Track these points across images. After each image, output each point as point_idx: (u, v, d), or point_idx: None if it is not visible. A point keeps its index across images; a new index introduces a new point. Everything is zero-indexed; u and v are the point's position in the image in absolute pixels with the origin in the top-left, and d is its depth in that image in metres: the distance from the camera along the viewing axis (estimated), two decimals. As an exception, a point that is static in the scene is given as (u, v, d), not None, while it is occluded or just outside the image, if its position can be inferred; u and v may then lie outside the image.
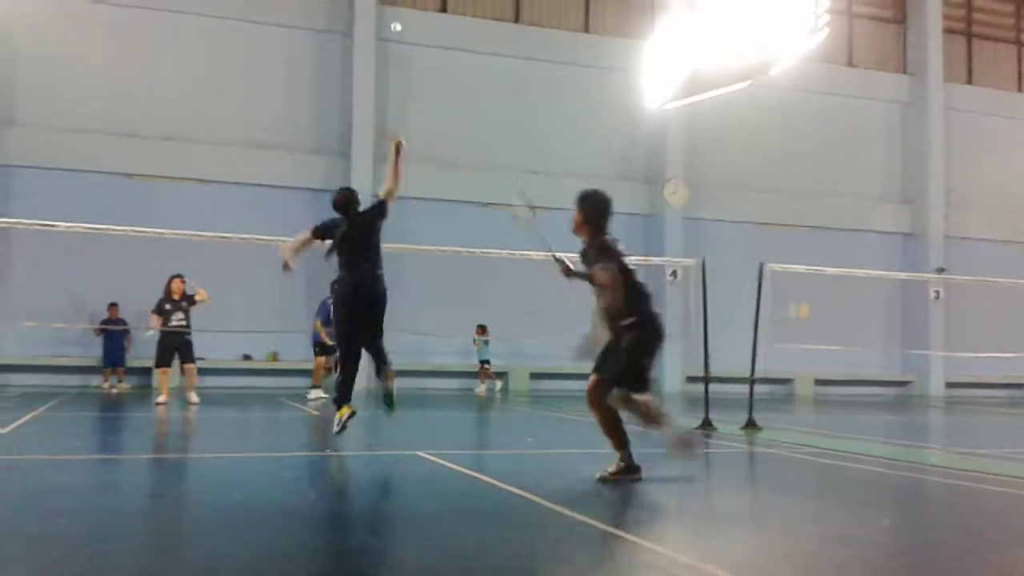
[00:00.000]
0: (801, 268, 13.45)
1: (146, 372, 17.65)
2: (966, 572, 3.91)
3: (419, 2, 20.56)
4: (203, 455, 8.21)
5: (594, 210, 6.41)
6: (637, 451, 6.11)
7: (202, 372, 14.68)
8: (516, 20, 21.28)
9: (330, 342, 13.37)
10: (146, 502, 5.42)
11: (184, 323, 13.12)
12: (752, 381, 11.04)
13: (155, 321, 13.24)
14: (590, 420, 6.24)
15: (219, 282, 15.59)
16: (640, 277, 6.35)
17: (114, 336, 16.98)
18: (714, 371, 11.33)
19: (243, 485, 5.87)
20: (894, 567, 4.00)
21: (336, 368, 7.85)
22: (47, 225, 11.85)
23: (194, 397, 12.90)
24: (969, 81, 24.78)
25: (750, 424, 10.51)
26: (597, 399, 6.01)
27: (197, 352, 13.48)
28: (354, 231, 7.79)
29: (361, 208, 7.99)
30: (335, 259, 7.80)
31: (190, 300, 13.25)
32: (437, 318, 17.97)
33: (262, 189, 18.71)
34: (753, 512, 5.53)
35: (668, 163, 21.33)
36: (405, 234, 18.59)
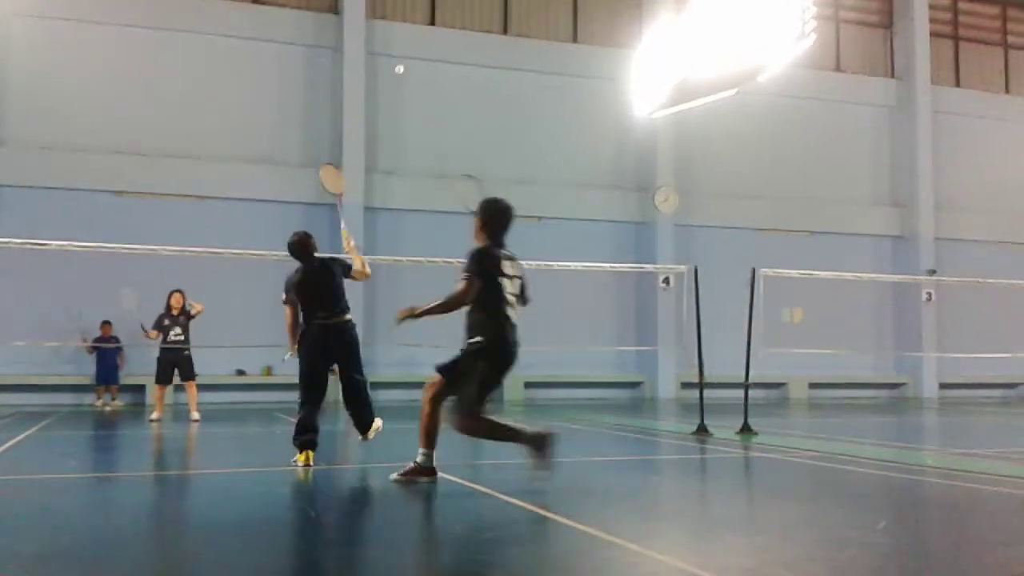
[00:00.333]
0: (793, 273, 13.52)
1: (139, 389, 17.61)
2: (964, 572, 3.92)
3: (408, 16, 20.63)
4: (199, 471, 8.19)
5: (489, 217, 6.30)
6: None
7: (197, 388, 14.64)
8: (504, 32, 21.35)
9: None
10: (143, 520, 5.40)
11: (182, 338, 13.11)
12: (746, 386, 11.06)
13: (153, 336, 13.24)
14: (584, 428, 6.24)
15: (212, 297, 15.57)
16: (524, 291, 6.27)
17: (107, 354, 16.93)
18: (708, 377, 11.36)
19: (241, 501, 5.86)
20: (891, 569, 4.01)
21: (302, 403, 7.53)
22: (38, 244, 11.83)
23: (195, 414, 12.87)
24: (956, 84, 24.93)
25: (745, 429, 10.53)
26: (432, 400, 6.13)
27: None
28: (311, 279, 7.59)
29: (318, 254, 7.77)
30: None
31: (187, 315, 13.27)
32: (429, 329, 17.95)
33: (254, 204, 18.70)
34: (750, 516, 5.54)
35: (658, 171, 21.40)
36: (397, 245, 18.68)
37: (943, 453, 9.43)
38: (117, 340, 16.94)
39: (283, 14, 19.58)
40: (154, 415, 12.67)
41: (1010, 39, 25.64)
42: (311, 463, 7.24)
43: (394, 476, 6.19)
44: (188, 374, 13.21)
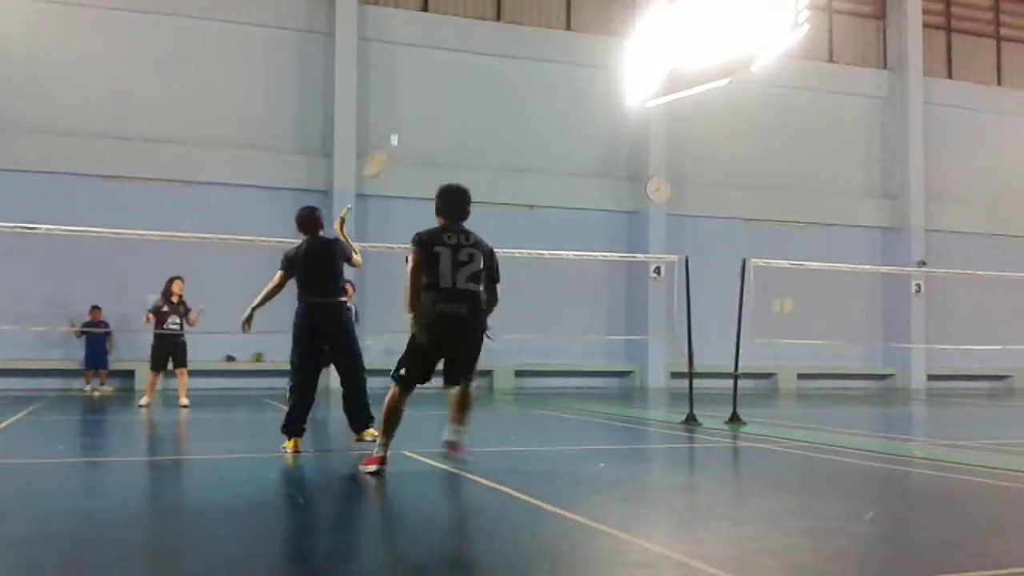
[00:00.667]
0: (784, 263, 13.54)
1: (128, 375, 17.56)
2: (950, 563, 3.94)
3: (401, 1, 20.51)
4: (188, 457, 8.18)
5: (440, 201, 6.35)
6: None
7: (187, 374, 14.62)
8: (498, 18, 21.26)
9: None
10: (133, 504, 5.39)
11: (178, 326, 13.06)
12: (736, 376, 11.09)
13: (150, 322, 13.12)
14: (573, 417, 6.26)
15: (201, 283, 15.52)
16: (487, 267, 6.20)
17: (96, 339, 16.87)
18: (698, 366, 11.38)
19: (229, 486, 5.85)
20: (878, 559, 4.03)
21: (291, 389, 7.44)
22: (26, 228, 11.77)
23: (185, 400, 12.83)
24: (949, 75, 24.96)
25: (734, 419, 10.56)
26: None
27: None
28: (311, 255, 7.50)
29: (324, 233, 7.68)
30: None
31: (186, 306, 13.21)
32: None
33: (244, 190, 18.62)
34: (739, 506, 5.56)
35: (651, 160, 21.39)
36: (389, 233, 18.61)
37: (931, 444, 9.48)
38: (106, 325, 16.88)
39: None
40: (143, 400, 12.64)
41: (1003, 31, 25.66)
42: (299, 450, 7.24)
43: (362, 466, 6.15)
44: (182, 361, 13.17)
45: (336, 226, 8.04)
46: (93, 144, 17.83)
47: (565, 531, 4.44)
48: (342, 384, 7.66)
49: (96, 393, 16.47)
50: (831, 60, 23.82)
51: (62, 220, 13.12)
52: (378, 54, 19.89)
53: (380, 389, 6.45)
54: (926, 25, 24.33)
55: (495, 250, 6.37)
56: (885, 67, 24.29)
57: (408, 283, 6.04)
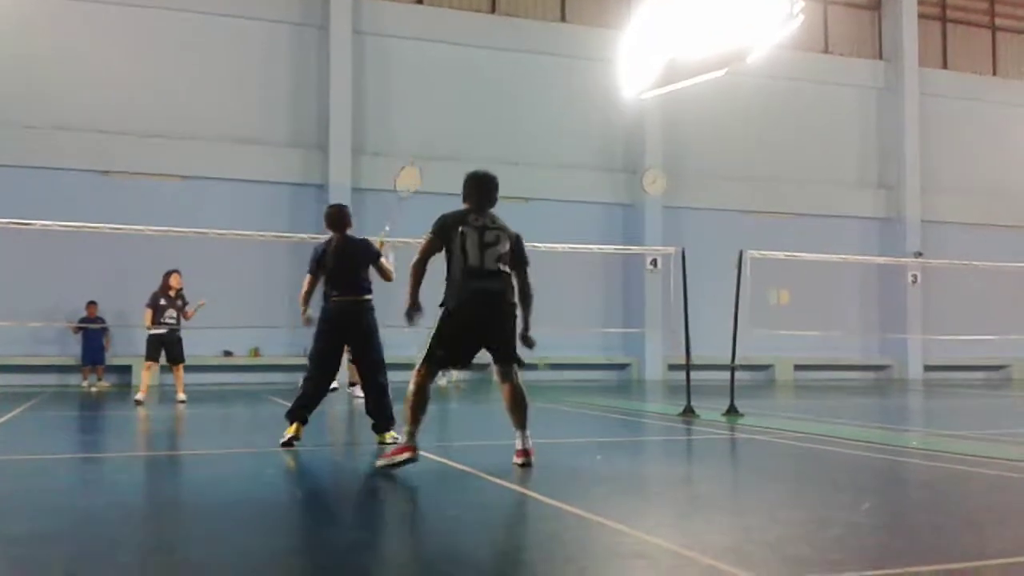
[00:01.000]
0: (780, 255, 13.56)
1: (125, 370, 17.56)
2: (946, 552, 3.96)
3: (396, -7, 20.47)
4: (186, 452, 8.18)
5: (467, 188, 6.33)
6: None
7: (184, 369, 14.60)
8: (493, 11, 21.24)
9: None
10: (130, 500, 5.39)
11: (175, 320, 12.96)
12: (733, 368, 11.11)
13: (148, 317, 13.04)
14: (571, 410, 6.28)
15: (199, 278, 15.50)
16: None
17: (93, 334, 16.86)
18: (695, 358, 11.40)
19: (228, 482, 5.86)
20: (874, 549, 4.05)
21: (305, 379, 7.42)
22: (22, 224, 11.75)
23: (182, 395, 12.80)
24: (944, 66, 24.97)
25: (731, 410, 10.58)
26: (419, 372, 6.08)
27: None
28: (339, 252, 7.42)
29: (352, 232, 7.61)
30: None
31: (184, 299, 13.09)
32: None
33: (240, 184, 18.61)
34: (735, 497, 5.57)
35: (647, 152, 21.40)
36: (382, 227, 18.60)
37: (927, 434, 9.50)
38: (103, 321, 16.87)
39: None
40: (139, 395, 12.54)
41: (997, 21, 25.66)
42: (299, 436, 7.23)
43: (379, 461, 6.05)
44: (178, 356, 13.07)
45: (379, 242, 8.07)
46: (89, 139, 17.80)
47: (563, 523, 4.45)
48: (363, 384, 7.65)
49: (93, 389, 16.46)
50: (826, 51, 23.82)
51: (58, 215, 13.08)
52: (373, 47, 19.86)
53: (400, 383, 6.38)
54: (921, 15, 24.34)
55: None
56: (880, 58, 24.29)
57: (413, 262, 5.99)
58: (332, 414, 10.72)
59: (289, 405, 7.44)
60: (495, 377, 6.21)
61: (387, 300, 7.45)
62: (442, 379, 18.18)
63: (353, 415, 10.44)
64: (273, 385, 16.84)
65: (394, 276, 7.60)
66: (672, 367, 20.18)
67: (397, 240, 8.47)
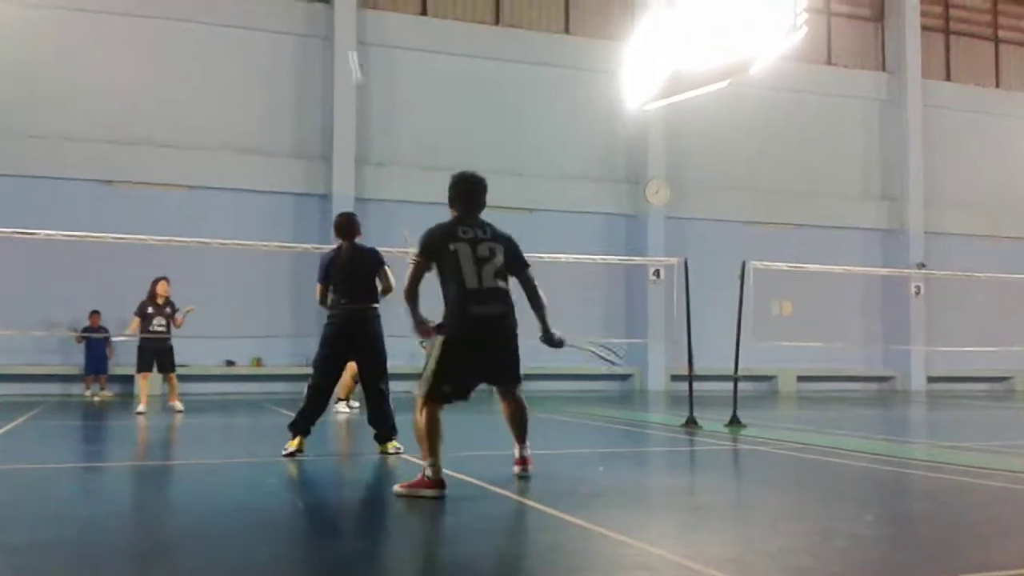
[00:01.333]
0: (783, 266, 13.55)
1: (128, 380, 17.50)
2: (950, 565, 3.94)
3: (399, 5, 20.54)
4: (188, 462, 8.17)
5: (454, 191, 5.90)
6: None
7: (184, 379, 14.59)
8: (496, 22, 21.29)
9: None
10: (132, 510, 5.39)
11: (164, 329, 12.88)
12: (736, 378, 11.08)
13: (135, 325, 13.01)
14: (573, 421, 6.26)
15: (202, 287, 15.56)
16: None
17: (96, 344, 16.86)
18: (698, 369, 11.38)
19: (229, 492, 5.85)
20: (878, 561, 4.03)
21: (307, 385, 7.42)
22: (26, 233, 11.77)
23: (179, 405, 12.77)
24: (947, 78, 24.99)
25: (734, 421, 10.56)
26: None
27: (179, 358, 13.34)
28: (346, 261, 7.46)
29: (360, 241, 7.67)
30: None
31: (173, 306, 13.03)
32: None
33: (244, 194, 18.63)
34: (739, 508, 5.55)
35: (650, 163, 21.42)
36: (388, 236, 18.61)
37: (931, 446, 9.48)
38: (106, 330, 16.87)
39: (274, 3, 19.48)
40: (140, 407, 12.48)
41: (1001, 33, 25.70)
42: (303, 449, 7.24)
43: (397, 488, 5.48)
44: (168, 366, 12.97)
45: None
46: (93, 148, 17.83)
47: (565, 534, 4.43)
48: (364, 392, 7.66)
49: (96, 398, 16.45)
50: (829, 63, 23.85)
51: (62, 225, 13.10)
52: (377, 58, 19.90)
53: (400, 394, 6.31)
54: (924, 27, 24.37)
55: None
56: (884, 69, 24.32)
57: (405, 286, 5.67)
58: (334, 423, 10.71)
59: (292, 415, 7.45)
60: (495, 394, 6.02)
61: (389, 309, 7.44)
62: None
63: (354, 425, 10.42)
64: (275, 395, 16.83)
65: (395, 286, 7.58)
66: (675, 378, 20.14)
67: (383, 249, 8.44)
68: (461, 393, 5.58)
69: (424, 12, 20.73)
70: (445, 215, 5.99)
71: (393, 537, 4.66)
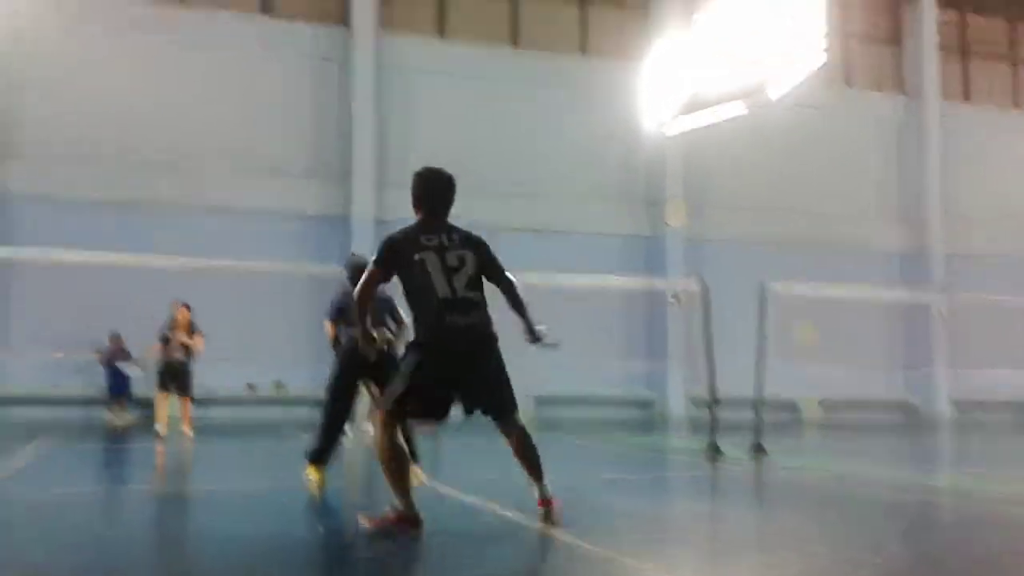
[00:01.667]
0: (803, 288, 13.46)
1: (150, 404, 17.57)
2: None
3: (417, 28, 20.69)
4: (209, 488, 8.16)
5: (418, 190, 5.35)
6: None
7: (205, 403, 14.59)
8: (514, 44, 21.40)
9: None
10: (152, 536, 5.38)
11: (183, 353, 12.97)
12: (757, 404, 10.99)
13: (155, 350, 13.07)
14: (593, 446, 6.19)
15: (222, 309, 15.60)
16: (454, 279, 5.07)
17: (117, 367, 16.90)
18: (719, 395, 11.28)
19: (251, 519, 5.83)
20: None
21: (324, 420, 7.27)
22: (50, 255, 11.86)
23: (189, 431, 12.76)
24: (965, 99, 24.90)
25: (757, 448, 10.46)
26: (384, 425, 5.07)
27: (200, 381, 13.38)
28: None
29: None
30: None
31: (192, 331, 13.08)
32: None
33: (264, 216, 18.72)
34: (762, 537, 5.49)
35: (667, 184, 21.39)
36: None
37: (955, 473, 9.36)
38: (128, 353, 16.92)
39: (293, 27, 19.67)
40: (159, 426, 12.48)
41: (1019, 54, 25.61)
42: (323, 481, 7.19)
43: (363, 521, 5.14)
44: (185, 389, 13.02)
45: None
46: (115, 171, 17.98)
47: (587, 562, 4.39)
48: None
49: (118, 422, 16.49)
50: (848, 84, 23.82)
51: (85, 247, 13.19)
52: (395, 80, 20.01)
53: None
54: (942, 49, 24.32)
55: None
56: (902, 91, 24.27)
57: (357, 293, 5.20)
58: (350, 451, 10.69)
59: (310, 442, 7.42)
60: (498, 429, 5.30)
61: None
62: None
63: (365, 451, 10.39)
64: (297, 419, 16.83)
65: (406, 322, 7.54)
66: (696, 403, 20.00)
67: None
68: (431, 412, 5.09)
69: (442, 35, 20.87)
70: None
71: (397, 559, 4.62)
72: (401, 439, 5.05)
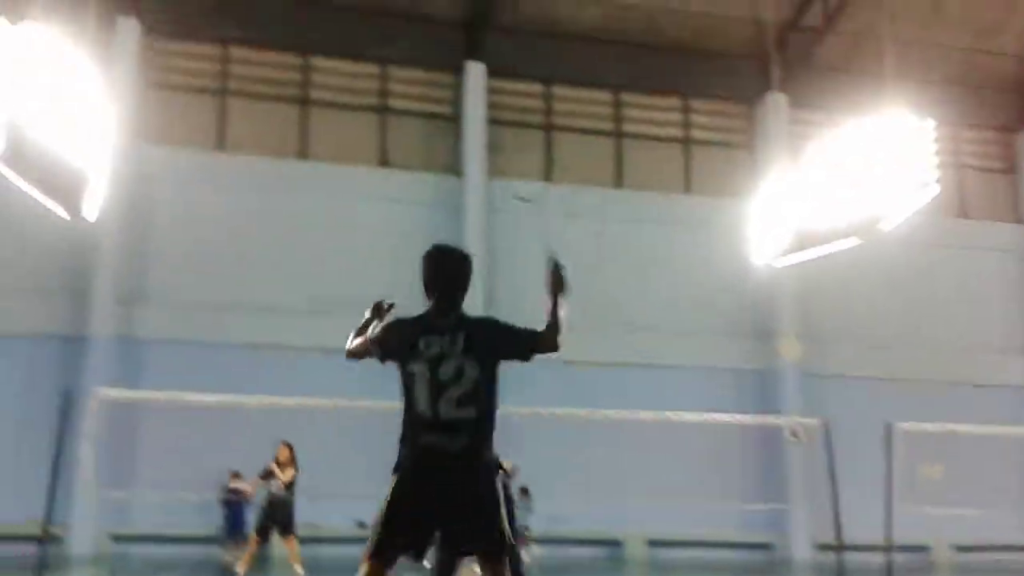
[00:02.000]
0: (930, 427, 12.87)
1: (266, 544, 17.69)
2: None
3: (525, 173, 21.31)
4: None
5: (427, 272, 4.88)
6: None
7: (312, 540, 14.54)
8: (619, 185, 21.80)
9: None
10: None
11: (283, 491, 12.88)
12: (888, 549, 10.38)
13: (252, 485, 13.12)
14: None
15: (332, 446, 15.76)
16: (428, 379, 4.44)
17: (235, 506, 17.10)
18: (845, 538, 10.71)
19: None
20: None
21: None
22: (178, 397, 12.34)
23: (299, 568, 12.68)
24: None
25: (890, 597, 9.81)
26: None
27: (306, 518, 13.32)
28: None
29: None
30: None
31: (295, 468, 13.05)
32: (543, 480, 17.60)
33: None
34: None
35: (780, 318, 21.02)
36: (521, 395, 18.66)
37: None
38: (246, 494, 17.09)
39: (412, 176, 20.57)
40: (239, 569, 12.44)
41: None
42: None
43: None
44: (288, 528, 12.92)
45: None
46: (240, 315, 18.75)
47: None
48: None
49: (236, 564, 16.56)
50: (963, 215, 23.29)
51: (212, 389, 13.66)
52: (504, 223, 20.52)
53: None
54: (1060, 177, 23.66)
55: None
56: (1020, 221, 23.58)
57: (348, 348, 4.92)
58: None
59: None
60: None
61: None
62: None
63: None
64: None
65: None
66: (820, 548, 18.93)
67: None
68: (414, 548, 4.34)
69: (549, 179, 21.45)
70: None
71: None
72: None
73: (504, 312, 18.93)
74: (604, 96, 22.19)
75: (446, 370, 4.39)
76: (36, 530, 12.32)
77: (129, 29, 19.05)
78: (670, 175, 22.14)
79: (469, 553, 4.49)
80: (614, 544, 19.23)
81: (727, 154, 22.44)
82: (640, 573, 14.71)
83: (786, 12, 21.00)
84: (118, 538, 17.54)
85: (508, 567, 4.29)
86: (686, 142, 22.49)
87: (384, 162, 20.83)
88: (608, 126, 22.15)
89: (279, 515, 12.94)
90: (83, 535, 17.09)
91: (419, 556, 4.38)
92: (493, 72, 21.02)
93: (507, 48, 21.00)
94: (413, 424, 4.39)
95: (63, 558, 15.57)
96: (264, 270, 19.28)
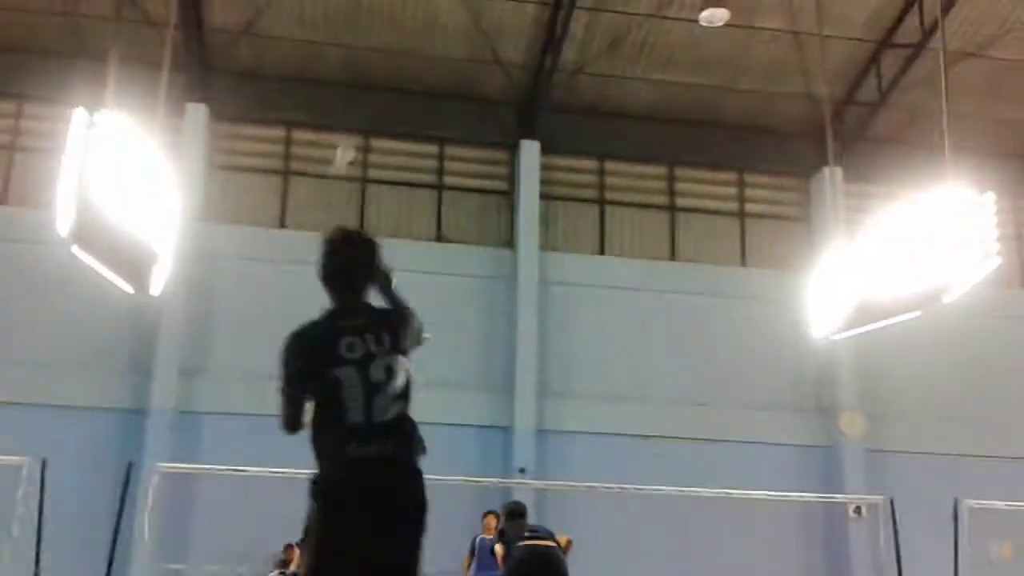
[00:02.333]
0: (1000, 504, 12.43)
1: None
2: None
3: (578, 247, 21.42)
4: None
5: (322, 265, 4.23)
6: None
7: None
8: (672, 258, 21.78)
9: None
10: None
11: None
12: (959, 634, 9.96)
13: (296, 554, 13.03)
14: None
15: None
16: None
17: (289, 578, 17.07)
18: (914, 621, 10.32)
19: None
20: None
21: None
22: (236, 470, 12.47)
23: None
24: None
25: None
26: None
27: None
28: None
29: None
30: None
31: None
32: (599, 556, 17.31)
33: (428, 426, 19.04)
34: None
35: (841, 393, 20.59)
36: (567, 468, 18.46)
37: None
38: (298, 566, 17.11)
39: (464, 249, 20.82)
40: None
41: None
42: None
43: None
44: None
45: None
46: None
47: None
48: None
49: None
50: (1025, 286, 22.78)
51: (266, 462, 13.79)
52: (556, 296, 20.59)
53: None
54: None
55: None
56: (1088, 289, 22.97)
57: (284, 426, 4.01)
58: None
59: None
60: None
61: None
62: None
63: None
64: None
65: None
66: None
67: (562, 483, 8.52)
68: None
69: (602, 252, 21.53)
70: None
71: None
72: None
73: (556, 383, 19.09)
74: (658, 171, 22.35)
75: (376, 371, 3.85)
76: (95, 601, 12.41)
77: (198, 114, 19.83)
78: (725, 248, 22.08)
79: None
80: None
81: (783, 227, 22.34)
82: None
83: (840, 87, 21.06)
84: (174, 610, 17.59)
85: None
86: (741, 215, 22.46)
87: (440, 237, 21.14)
88: (662, 200, 22.23)
89: None
90: (141, 606, 17.19)
91: None
92: (546, 149, 21.34)
93: (561, 126, 21.33)
94: (338, 436, 3.76)
95: (120, 630, 15.60)
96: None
